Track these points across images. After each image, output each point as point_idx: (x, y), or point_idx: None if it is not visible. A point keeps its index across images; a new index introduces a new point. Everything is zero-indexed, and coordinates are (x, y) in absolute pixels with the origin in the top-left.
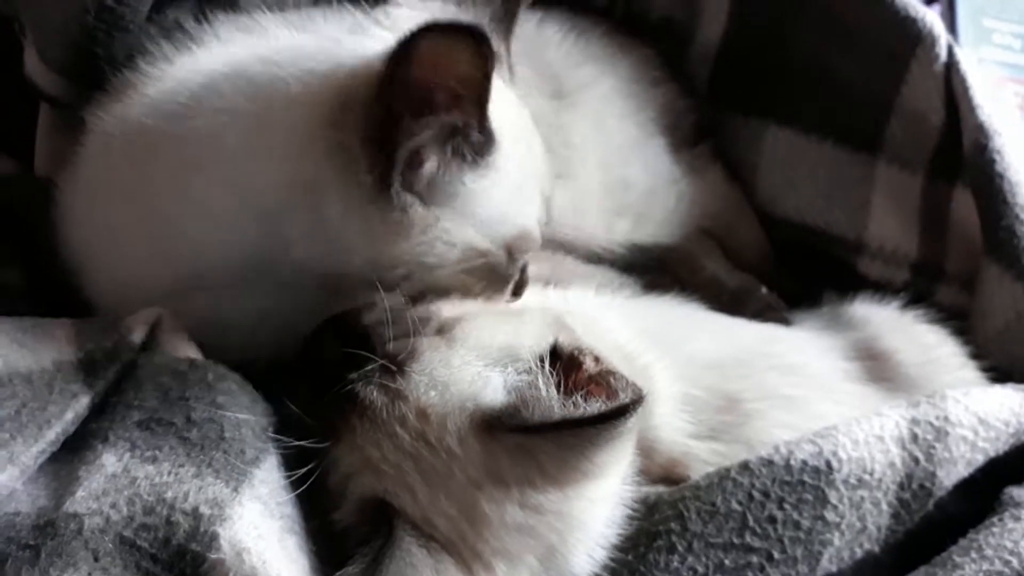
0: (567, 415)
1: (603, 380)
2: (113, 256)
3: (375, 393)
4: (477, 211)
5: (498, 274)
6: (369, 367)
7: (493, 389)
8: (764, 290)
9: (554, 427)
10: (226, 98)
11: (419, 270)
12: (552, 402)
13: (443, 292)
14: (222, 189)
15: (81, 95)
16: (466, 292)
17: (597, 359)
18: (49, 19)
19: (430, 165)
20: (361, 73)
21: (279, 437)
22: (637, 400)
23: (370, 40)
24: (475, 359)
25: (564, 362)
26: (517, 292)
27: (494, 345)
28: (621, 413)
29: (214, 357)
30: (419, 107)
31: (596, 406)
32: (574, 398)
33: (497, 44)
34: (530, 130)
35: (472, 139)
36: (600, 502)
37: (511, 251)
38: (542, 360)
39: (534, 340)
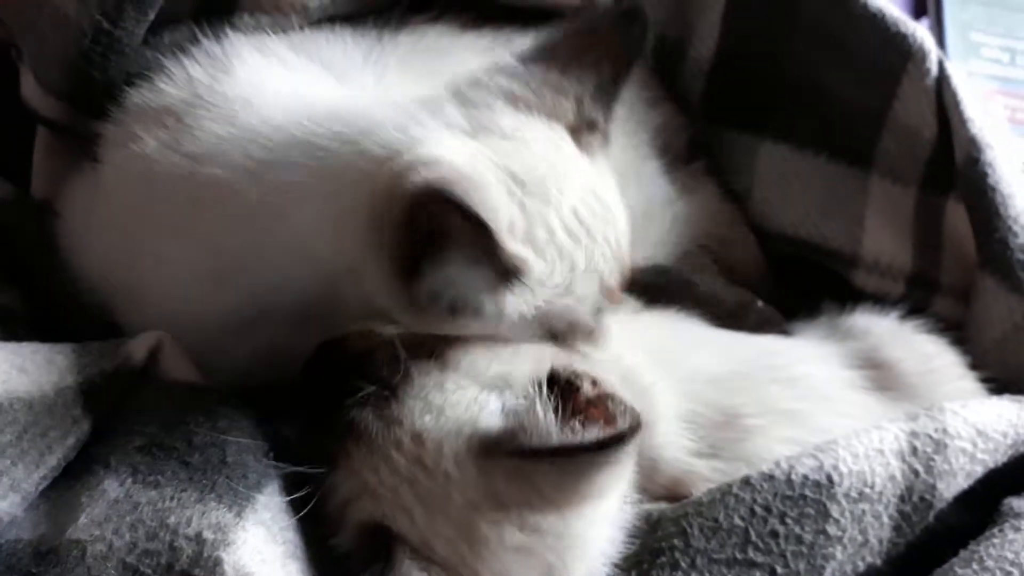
0: (565, 441)
1: (601, 404)
2: (160, 286)
3: (370, 418)
4: (503, 321)
5: None
6: (363, 393)
7: (490, 413)
8: (761, 304)
9: (552, 453)
10: (295, 170)
11: None
12: (550, 427)
13: None
14: (284, 246)
15: (78, 118)
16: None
17: (595, 382)
18: (46, 43)
19: (452, 289)
20: (396, 190)
21: (278, 464)
22: (635, 427)
23: (428, 137)
24: (470, 383)
25: (561, 386)
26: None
27: (489, 370)
28: (619, 440)
29: (268, 383)
30: (440, 244)
31: (594, 433)
32: (572, 423)
33: (595, 112)
34: (599, 215)
35: (494, 268)
36: (600, 522)
37: (552, 334)
38: (539, 385)
39: (530, 366)
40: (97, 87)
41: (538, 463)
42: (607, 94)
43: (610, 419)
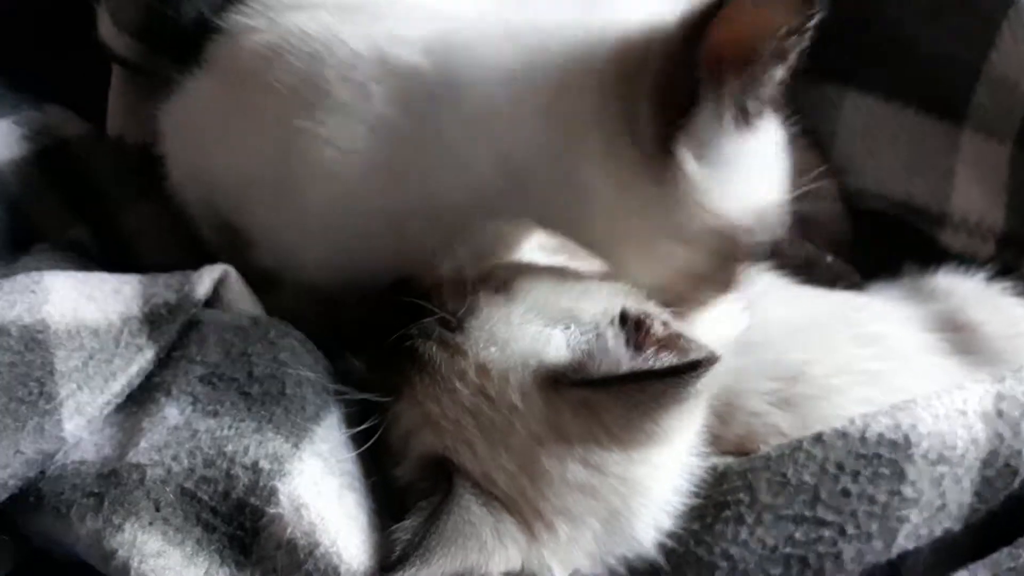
0: (635, 367)
1: (672, 344)
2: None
3: (434, 348)
4: (736, 179)
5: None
6: (427, 320)
7: (556, 346)
8: (830, 258)
9: (621, 380)
10: (492, 55)
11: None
12: (620, 356)
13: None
14: (468, 135)
15: (151, 57)
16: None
17: (666, 323)
18: None
19: (714, 125)
20: (652, 37)
21: (341, 389)
22: (710, 359)
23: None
24: (536, 316)
25: (632, 325)
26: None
27: (557, 305)
28: (692, 368)
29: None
30: (721, 68)
31: (666, 360)
32: (644, 354)
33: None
34: None
35: (759, 98)
36: (665, 469)
37: (746, 236)
38: (612, 319)
39: (599, 305)
40: (170, 25)
41: (605, 395)
42: None
43: (683, 353)
